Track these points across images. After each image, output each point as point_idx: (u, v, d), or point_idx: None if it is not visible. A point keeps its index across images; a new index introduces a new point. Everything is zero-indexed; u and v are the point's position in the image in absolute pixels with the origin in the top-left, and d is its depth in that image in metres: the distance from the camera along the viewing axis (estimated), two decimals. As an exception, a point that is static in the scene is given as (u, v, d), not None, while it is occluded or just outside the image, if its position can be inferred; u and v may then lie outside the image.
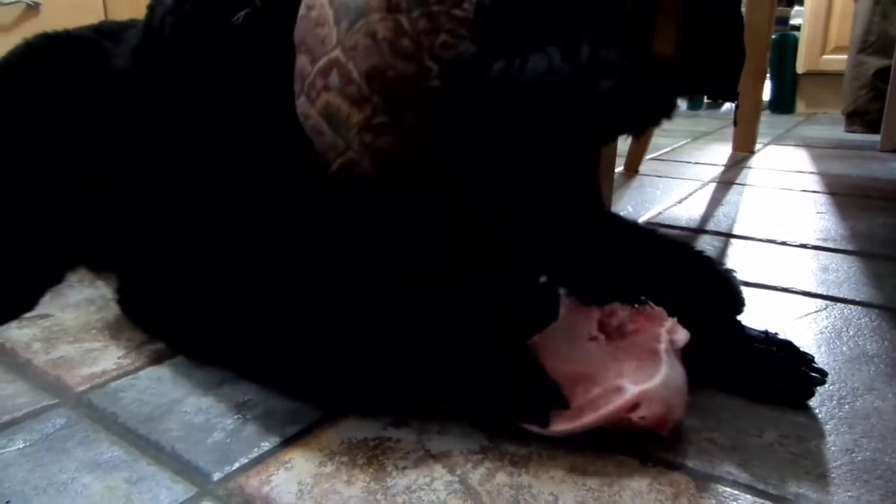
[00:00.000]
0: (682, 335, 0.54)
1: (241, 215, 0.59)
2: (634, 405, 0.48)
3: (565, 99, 0.46)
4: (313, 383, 0.56)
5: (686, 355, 0.54)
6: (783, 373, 0.57)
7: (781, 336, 0.60)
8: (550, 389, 0.50)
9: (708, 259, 0.67)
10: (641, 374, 0.50)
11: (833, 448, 0.49)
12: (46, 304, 0.75)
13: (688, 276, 0.64)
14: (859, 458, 0.48)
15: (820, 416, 0.54)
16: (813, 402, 0.55)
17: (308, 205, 0.58)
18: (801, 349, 0.59)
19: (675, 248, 0.70)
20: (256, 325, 0.57)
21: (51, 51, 0.74)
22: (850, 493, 0.45)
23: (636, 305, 0.58)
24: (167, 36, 0.62)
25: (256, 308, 0.57)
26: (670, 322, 0.55)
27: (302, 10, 0.56)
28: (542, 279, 0.66)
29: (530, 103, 0.47)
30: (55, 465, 0.48)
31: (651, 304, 0.58)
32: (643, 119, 0.52)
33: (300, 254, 0.58)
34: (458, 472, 0.47)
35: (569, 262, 0.65)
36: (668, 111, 0.52)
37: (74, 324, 0.71)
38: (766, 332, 0.61)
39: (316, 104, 0.54)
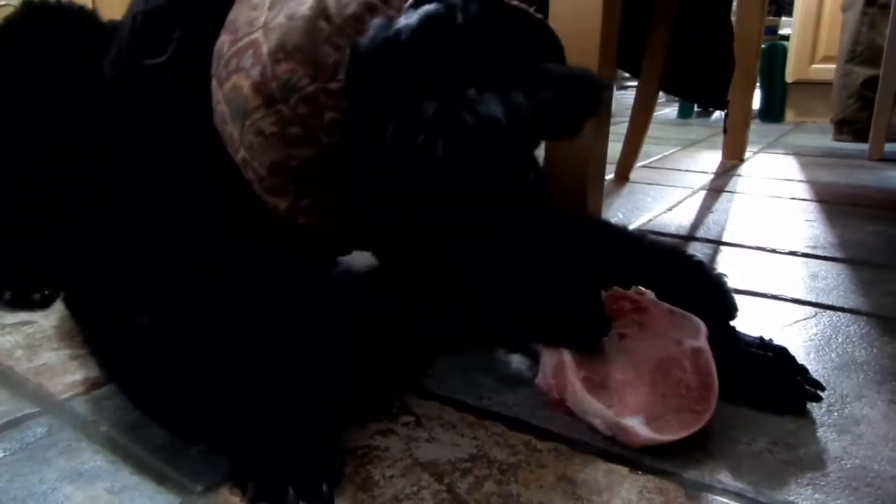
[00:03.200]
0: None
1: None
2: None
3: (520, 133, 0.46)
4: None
5: None
6: (777, 380, 0.57)
7: (776, 342, 0.60)
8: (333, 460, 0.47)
9: (699, 263, 0.67)
10: (689, 330, 0.55)
11: (823, 455, 0.49)
12: (30, 311, 0.74)
13: (679, 280, 0.64)
14: (848, 465, 0.48)
15: (809, 423, 0.53)
16: (803, 413, 0.55)
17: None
18: (795, 358, 0.59)
19: (665, 252, 0.70)
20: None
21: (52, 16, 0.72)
22: (839, 501, 0.44)
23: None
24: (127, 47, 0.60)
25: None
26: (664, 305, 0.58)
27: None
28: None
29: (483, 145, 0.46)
30: (35, 476, 0.47)
31: (639, 290, 0.60)
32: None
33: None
34: (447, 481, 0.46)
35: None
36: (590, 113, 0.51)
37: (58, 331, 0.70)
38: (760, 338, 0.61)
39: (224, 86, 0.52)
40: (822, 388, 0.57)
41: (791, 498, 0.45)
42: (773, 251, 0.99)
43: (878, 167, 1.67)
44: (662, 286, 0.61)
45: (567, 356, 0.53)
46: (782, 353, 0.60)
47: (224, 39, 0.53)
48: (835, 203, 1.29)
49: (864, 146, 1.80)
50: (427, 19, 0.47)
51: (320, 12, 0.49)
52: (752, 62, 1.68)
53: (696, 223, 1.15)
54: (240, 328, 0.52)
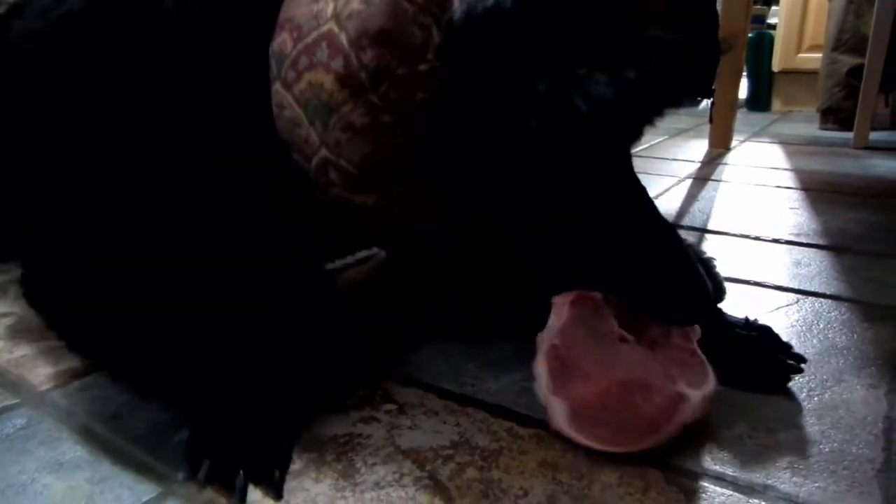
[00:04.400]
0: (698, 332, 0.54)
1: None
2: (695, 411, 0.48)
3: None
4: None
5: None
6: (760, 359, 0.58)
7: (761, 322, 0.61)
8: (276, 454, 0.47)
9: (689, 246, 0.67)
10: (692, 377, 0.50)
11: (802, 439, 0.50)
12: (10, 302, 0.74)
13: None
14: (827, 448, 0.49)
15: (789, 407, 0.54)
16: (783, 394, 0.56)
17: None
18: (779, 337, 0.60)
19: None
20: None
21: None
22: (817, 484, 0.45)
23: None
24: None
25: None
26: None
27: None
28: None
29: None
30: (15, 466, 0.46)
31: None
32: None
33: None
34: (428, 468, 0.46)
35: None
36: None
37: (38, 322, 0.69)
38: (745, 319, 0.61)
39: (295, 87, 0.49)
40: (804, 361, 0.58)
41: (770, 481, 0.45)
42: (758, 238, 0.99)
43: (862, 155, 1.68)
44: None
45: (561, 322, 0.51)
46: (766, 332, 0.60)
47: (283, 39, 0.50)
48: (819, 191, 1.30)
49: (849, 134, 1.82)
50: None
51: None
52: (739, 51, 1.69)
53: (682, 211, 1.16)
54: (220, 306, 0.49)
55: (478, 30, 0.45)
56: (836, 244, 0.96)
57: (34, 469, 0.46)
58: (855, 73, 1.91)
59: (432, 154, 0.50)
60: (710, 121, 1.76)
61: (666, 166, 1.55)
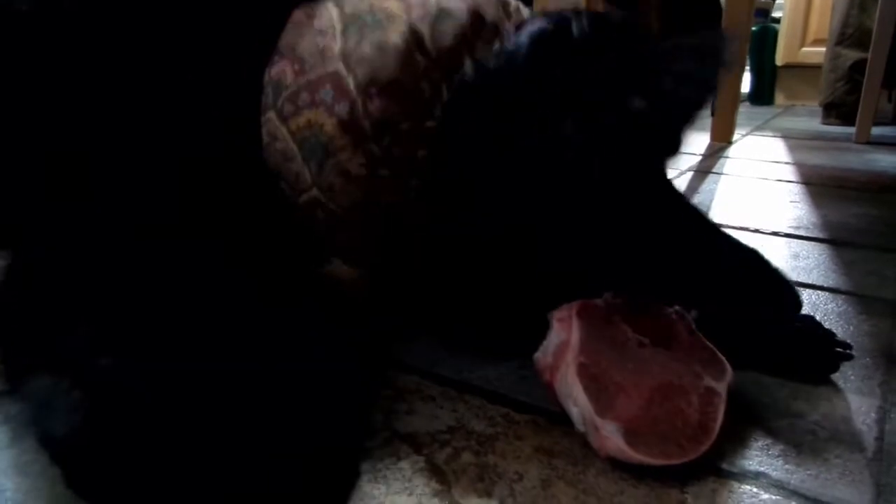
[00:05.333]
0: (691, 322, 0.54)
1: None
2: (724, 404, 0.48)
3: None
4: None
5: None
6: (812, 348, 0.59)
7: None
8: None
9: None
10: (713, 370, 0.50)
11: (795, 429, 0.50)
12: None
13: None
14: (820, 437, 0.49)
15: (783, 397, 0.54)
16: (776, 384, 0.56)
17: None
18: (822, 325, 0.62)
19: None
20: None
21: None
22: (809, 472, 0.45)
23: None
24: None
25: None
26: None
27: (299, 16, 0.50)
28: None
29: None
30: None
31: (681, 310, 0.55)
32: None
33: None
34: (425, 452, 0.47)
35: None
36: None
37: None
38: None
39: (291, 122, 0.48)
40: (850, 347, 0.60)
41: (762, 468, 0.46)
42: (757, 231, 0.99)
43: (864, 150, 1.68)
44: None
45: (575, 337, 0.49)
46: (811, 321, 0.62)
47: (283, 69, 0.48)
48: (820, 185, 1.30)
49: (852, 129, 1.81)
50: (539, 38, 0.46)
51: (415, 43, 0.46)
52: (742, 44, 1.68)
53: (682, 204, 1.16)
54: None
55: (493, 86, 0.45)
56: (835, 238, 0.97)
57: None
58: (858, 67, 1.91)
59: (425, 213, 0.49)
60: (712, 114, 1.76)
61: (667, 159, 1.55)
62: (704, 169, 1.44)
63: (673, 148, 0.50)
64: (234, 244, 0.48)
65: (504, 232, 0.50)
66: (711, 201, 1.17)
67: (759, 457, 0.47)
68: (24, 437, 0.48)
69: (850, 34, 1.99)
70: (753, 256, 0.52)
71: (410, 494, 0.43)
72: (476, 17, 0.48)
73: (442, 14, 0.48)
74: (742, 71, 1.77)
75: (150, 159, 0.48)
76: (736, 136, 1.79)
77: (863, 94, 1.77)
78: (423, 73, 0.46)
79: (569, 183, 0.46)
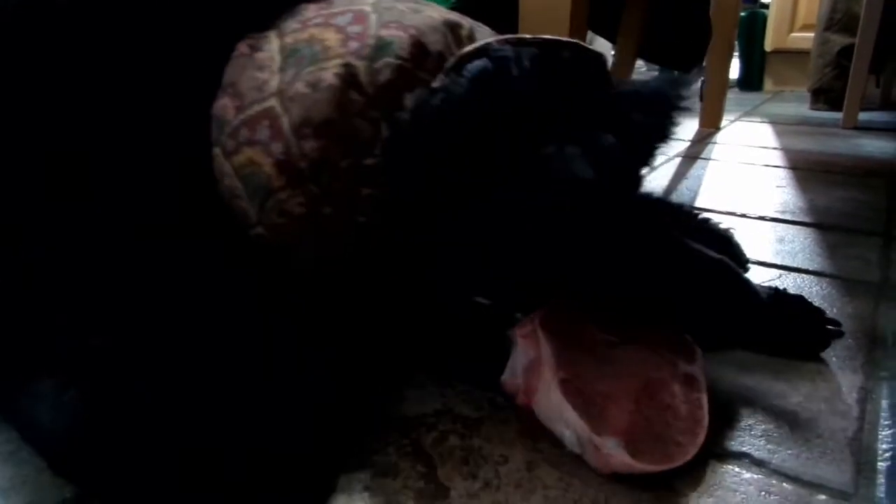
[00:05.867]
0: None
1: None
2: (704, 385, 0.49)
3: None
4: None
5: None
6: (804, 325, 0.61)
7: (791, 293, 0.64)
8: None
9: (707, 220, 0.68)
10: (685, 354, 0.50)
11: (778, 410, 0.51)
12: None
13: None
14: (802, 417, 0.50)
15: (766, 379, 0.55)
16: (759, 366, 0.57)
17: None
18: (812, 303, 0.63)
19: (674, 209, 0.71)
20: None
21: None
22: (790, 451, 0.46)
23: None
24: None
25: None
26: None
27: (243, 49, 0.49)
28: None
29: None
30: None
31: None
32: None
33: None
34: (412, 435, 0.47)
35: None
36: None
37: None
38: (776, 289, 0.64)
39: (234, 159, 0.46)
40: (840, 325, 0.62)
41: (744, 448, 0.46)
42: (744, 216, 1.00)
43: (851, 135, 1.69)
44: None
45: (547, 353, 0.47)
46: (801, 300, 0.63)
47: (224, 104, 0.47)
48: (807, 170, 1.31)
49: (840, 115, 1.82)
50: (479, 78, 0.42)
51: (349, 80, 0.44)
52: (731, 30, 1.68)
53: (670, 189, 1.16)
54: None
55: (431, 125, 0.42)
56: (820, 221, 0.97)
57: None
58: (846, 52, 1.91)
59: (376, 250, 0.47)
60: (701, 99, 1.76)
61: (656, 145, 1.55)
62: (692, 155, 1.45)
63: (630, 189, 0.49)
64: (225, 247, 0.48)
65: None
66: (699, 187, 1.17)
67: (742, 437, 0.47)
68: (6, 428, 0.48)
69: (839, 19, 1.99)
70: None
71: (396, 477, 0.43)
72: (418, 47, 0.46)
73: (380, 46, 0.45)
74: (730, 57, 1.76)
75: (149, 163, 0.48)
76: (724, 122, 1.80)
77: (850, 80, 1.77)
78: (359, 111, 0.44)
79: (535, 231, 0.43)
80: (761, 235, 0.91)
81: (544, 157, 0.41)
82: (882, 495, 0.42)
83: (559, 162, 0.41)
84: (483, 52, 0.45)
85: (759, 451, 0.46)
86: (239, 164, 0.46)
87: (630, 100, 0.45)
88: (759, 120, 1.91)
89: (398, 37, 0.46)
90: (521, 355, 0.49)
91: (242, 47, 0.49)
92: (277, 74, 0.46)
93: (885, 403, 0.52)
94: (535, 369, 0.47)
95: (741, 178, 1.25)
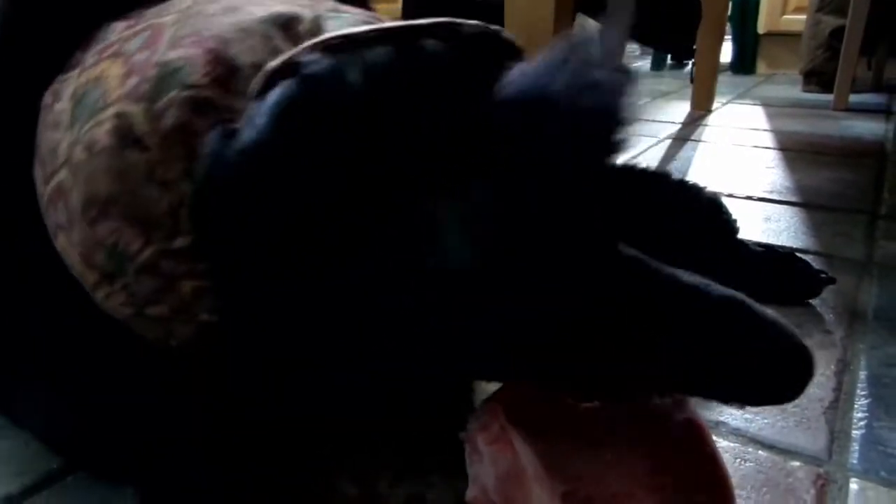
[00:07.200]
0: None
1: None
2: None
3: None
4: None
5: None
6: (796, 273, 0.64)
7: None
8: None
9: (696, 185, 0.69)
10: (675, 397, 0.37)
11: (756, 380, 0.52)
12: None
13: (680, 202, 0.66)
14: (779, 388, 0.51)
15: (747, 352, 0.56)
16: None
17: None
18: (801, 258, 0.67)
19: (660, 177, 0.71)
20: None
21: None
22: (766, 420, 0.47)
23: None
24: None
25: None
26: None
27: (47, 99, 0.39)
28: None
29: None
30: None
31: None
32: None
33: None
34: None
35: None
36: None
37: None
38: (768, 246, 0.67)
39: (56, 243, 0.37)
40: (826, 273, 0.66)
41: (722, 418, 0.47)
42: (731, 196, 1.01)
43: (842, 117, 1.69)
44: (667, 211, 0.63)
45: (530, 460, 0.34)
46: (791, 254, 0.67)
47: (38, 173, 0.38)
48: (796, 151, 1.31)
49: (831, 97, 1.82)
50: (281, 112, 0.29)
51: (125, 136, 0.33)
52: (721, 11, 1.68)
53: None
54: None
55: (231, 188, 0.30)
56: (807, 201, 0.98)
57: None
58: (838, 34, 1.91)
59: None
60: (692, 81, 1.77)
61: (646, 127, 1.56)
62: (683, 136, 1.45)
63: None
64: None
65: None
66: (688, 168, 1.18)
67: (719, 407, 0.48)
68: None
69: (830, 1, 1.99)
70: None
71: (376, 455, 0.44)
72: (218, 65, 0.33)
73: (163, 77, 0.33)
74: (721, 38, 1.76)
75: None
76: (716, 105, 1.80)
77: (840, 62, 1.77)
78: (147, 175, 0.32)
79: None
80: (748, 215, 0.92)
81: (399, 233, 0.29)
82: (855, 461, 0.43)
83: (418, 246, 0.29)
84: (291, 67, 0.30)
85: (735, 420, 0.47)
86: (60, 248, 0.36)
87: (541, 112, 0.28)
88: (750, 102, 1.91)
89: (190, 57, 0.34)
90: (488, 467, 0.36)
91: (47, 97, 0.39)
92: (68, 132, 0.35)
93: (862, 375, 0.53)
94: (515, 482, 0.35)
95: (731, 160, 1.25)
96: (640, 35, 1.50)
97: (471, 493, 0.37)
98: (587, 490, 0.33)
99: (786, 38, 2.48)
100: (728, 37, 2.37)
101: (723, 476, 0.34)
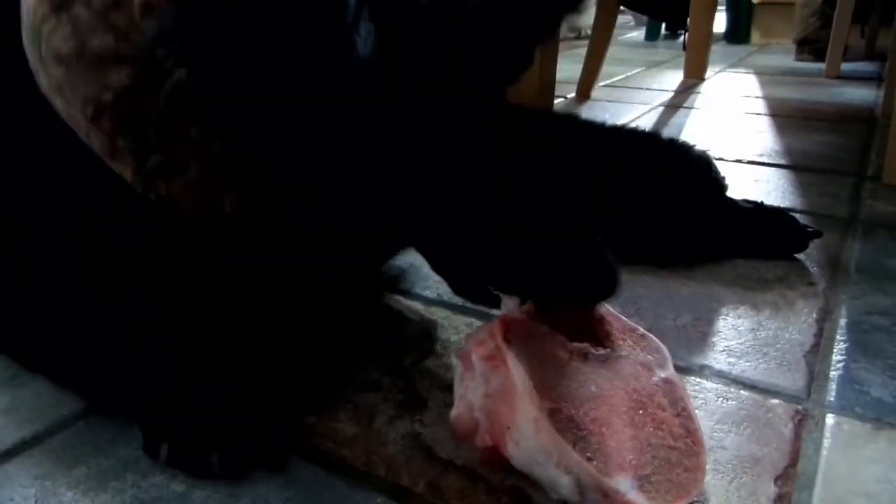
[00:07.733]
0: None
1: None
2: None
3: None
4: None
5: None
6: (783, 229, 0.67)
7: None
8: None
9: (684, 144, 0.71)
10: (657, 357, 0.42)
11: (740, 328, 0.54)
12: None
13: (672, 162, 0.69)
14: (762, 334, 0.53)
15: (731, 302, 0.58)
16: (725, 289, 0.60)
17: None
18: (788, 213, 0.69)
19: (648, 137, 0.73)
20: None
21: None
22: (748, 363, 0.49)
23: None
24: None
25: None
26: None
27: None
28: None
29: None
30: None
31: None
32: None
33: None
34: (393, 356, 0.49)
35: None
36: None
37: None
38: (755, 202, 0.70)
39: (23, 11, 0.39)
40: (812, 227, 0.68)
41: (706, 362, 0.49)
42: (721, 159, 1.02)
43: (833, 84, 1.70)
44: (656, 170, 0.66)
45: (521, 378, 0.36)
46: (779, 210, 0.70)
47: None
48: (787, 117, 1.32)
49: (823, 65, 1.83)
50: None
51: None
52: (714, -21, 1.68)
53: (651, 136, 1.18)
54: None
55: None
56: (796, 163, 1.00)
57: None
58: (830, 2, 1.91)
59: (209, 118, 0.37)
60: (684, 49, 1.77)
61: (639, 95, 1.56)
62: (675, 104, 1.46)
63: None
64: None
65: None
66: (679, 133, 1.19)
67: (703, 352, 0.50)
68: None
69: (824, -32, 1.99)
70: None
71: (378, 390, 0.46)
72: None
73: None
74: (714, 6, 1.76)
75: None
76: (709, 74, 1.80)
77: (833, 30, 1.78)
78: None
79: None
80: (737, 177, 0.93)
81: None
82: (832, 399, 0.45)
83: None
84: None
85: (719, 363, 0.49)
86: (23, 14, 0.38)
87: None
88: (743, 71, 1.92)
89: None
90: (480, 382, 0.37)
91: None
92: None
93: (842, 322, 0.55)
94: (501, 398, 0.36)
95: (722, 126, 1.26)
96: (632, 1, 1.50)
97: (455, 410, 0.38)
98: (572, 411, 0.36)
99: (780, 7, 2.47)
100: (722, 7, 2.36)
101: (695, 430, 0.37)
